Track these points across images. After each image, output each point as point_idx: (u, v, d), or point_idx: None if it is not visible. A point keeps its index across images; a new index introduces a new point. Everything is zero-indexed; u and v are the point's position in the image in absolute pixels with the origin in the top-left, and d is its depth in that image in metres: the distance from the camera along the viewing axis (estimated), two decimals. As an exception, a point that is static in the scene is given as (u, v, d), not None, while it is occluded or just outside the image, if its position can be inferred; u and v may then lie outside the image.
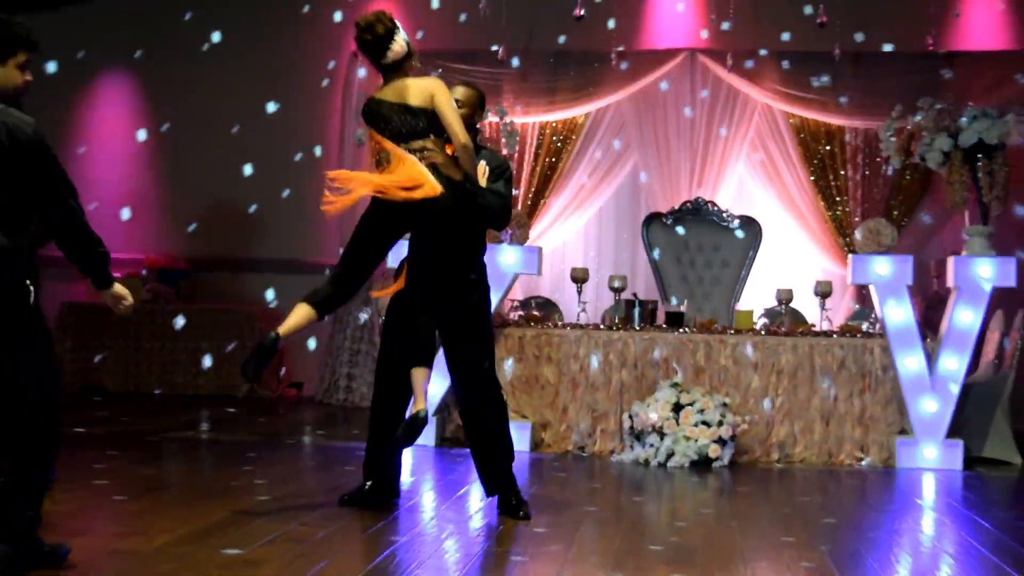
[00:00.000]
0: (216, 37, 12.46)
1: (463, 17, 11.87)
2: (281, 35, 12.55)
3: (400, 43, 6.15)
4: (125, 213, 11.49)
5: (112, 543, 5.50)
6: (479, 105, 6.66)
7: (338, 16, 12.52)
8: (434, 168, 5.92)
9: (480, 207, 6.23)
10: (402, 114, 6.02)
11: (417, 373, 6.03)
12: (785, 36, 11.57)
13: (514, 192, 9.39)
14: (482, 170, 6.22)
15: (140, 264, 12.67)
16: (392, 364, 6.32)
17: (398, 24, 6.17)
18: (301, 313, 6.09)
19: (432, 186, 5.84)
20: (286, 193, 12.23)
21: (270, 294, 11.28)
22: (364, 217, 6.20)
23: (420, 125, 6.00)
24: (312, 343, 11.41)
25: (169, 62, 12.77)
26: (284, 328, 6.04)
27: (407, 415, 5.97)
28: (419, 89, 6.05)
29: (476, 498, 6.97)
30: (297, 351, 12.48)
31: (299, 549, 5.38)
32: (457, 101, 6.42)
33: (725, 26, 11.63)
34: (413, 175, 5.87)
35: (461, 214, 6.06)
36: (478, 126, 6.81)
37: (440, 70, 11.47)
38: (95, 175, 12.85)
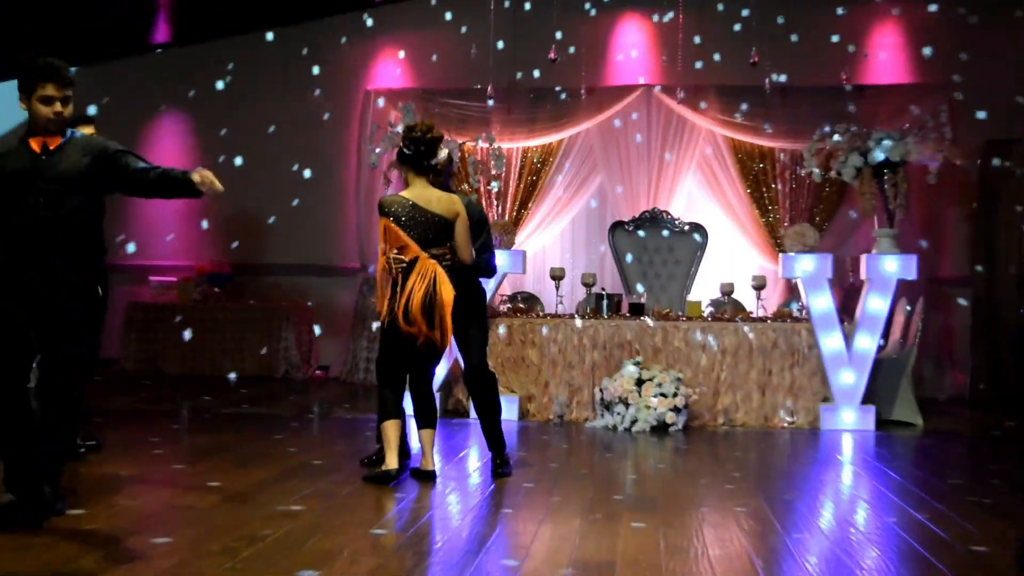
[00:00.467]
0: (259, 77, 12.50)
1: (459, 55, 11.93)
2: (309, 78, 12.51)
3: (444, 152, 6.21)
4: (204, 224, 11.53)
5: (172, 500, 5.51)
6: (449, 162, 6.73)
7: (352, 67, 12.58)
8: (451, 269, 5.94)
9: (481, 270, 6.47)
10: (429, 223, 5.94)
11: (424, 433, 6.11)
12: (724, 73, 11.62)
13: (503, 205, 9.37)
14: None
15: (193, 270, 12.64)
16: (389, 364, 6.19)
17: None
18: (392, 429, 6.01)
19: (449, 291, 5.85)
20: (312, 209, 12.25)
21: (295, 295, 11.19)
22: (387, 334, 6.01)
23: (442, 236, 5.97)
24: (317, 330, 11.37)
25: (216, 101, 12.73)
26: (391, 455, 5.96)
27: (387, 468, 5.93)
28: (448, 203, 6.02)
29: (474, 460, 6.99)
30: (324, 340, 12.49)
31: (329, 503, 5.39)
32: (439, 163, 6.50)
33: (675, 65, 11.67)
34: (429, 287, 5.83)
35: (467, 289, 6.18)
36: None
37: (437, 109, 11.55)
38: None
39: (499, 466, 6.40)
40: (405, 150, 6.05)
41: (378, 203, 6.14)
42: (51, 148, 4.87)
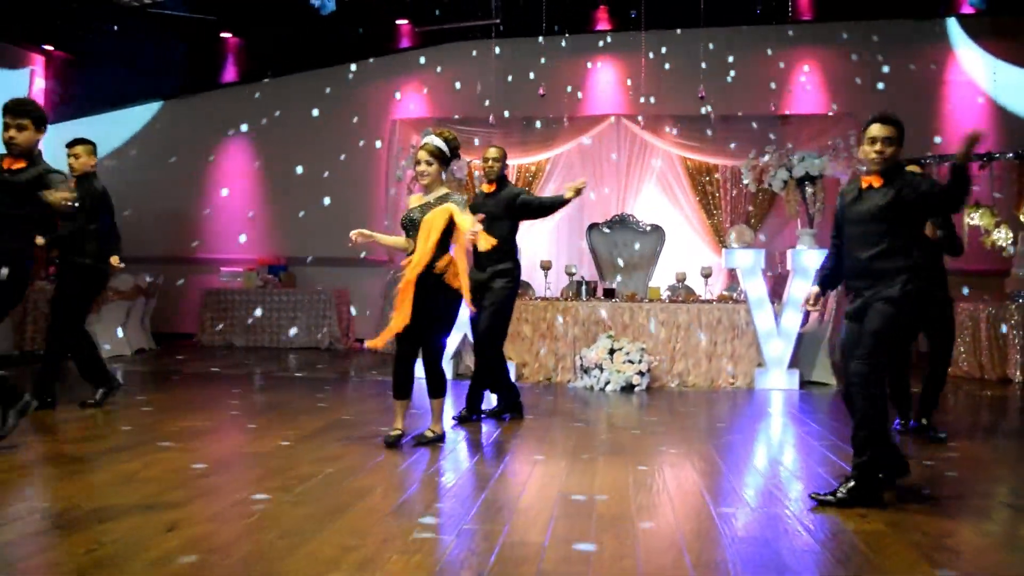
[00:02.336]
0: (308, 109, 12.46)
1: (468, 91, 11.92)
2: (348, 109, 12.51)
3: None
4: (242, 236, 11.49)
5: (240, 448, 5.51)
6: (504, 156, 6.78)
7: (389, 96, 12.56)
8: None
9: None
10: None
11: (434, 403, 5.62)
12: (677, 105, 11.65)
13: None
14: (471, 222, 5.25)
15: (255, 262, 12.63)
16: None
17: None
18: (402, 406, 5.58)
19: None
20: (348, 216, 12.22)
21: (336, 282, 11.15)
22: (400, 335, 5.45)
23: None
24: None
25: (272, 128, 12.71)
26: (399, 422, 5.55)
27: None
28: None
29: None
30: (359, 317, 12.49)
31: (364, 448, 5.40)
32: (491, 158, 6.61)
33: (640, 99, 11.68)
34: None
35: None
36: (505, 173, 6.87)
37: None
38: (231, 205, 12.83)
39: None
40: (449, 153, 5.60)
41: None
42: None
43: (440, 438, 5.64)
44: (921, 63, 11.65)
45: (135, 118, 13.05)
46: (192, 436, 5.72)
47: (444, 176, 5.64)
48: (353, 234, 5.61)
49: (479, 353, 6.53)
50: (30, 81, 12.55)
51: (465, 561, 3.32)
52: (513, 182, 11.97)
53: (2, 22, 11.69)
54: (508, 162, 11.67)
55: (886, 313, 4.32)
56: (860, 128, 11.00)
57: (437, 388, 5.61)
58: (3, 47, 12.02)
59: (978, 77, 11.76)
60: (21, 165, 5.05)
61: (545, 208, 6.81)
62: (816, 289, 4.86)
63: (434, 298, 5.37)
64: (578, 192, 6.44)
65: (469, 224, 5.16)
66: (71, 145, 6.78)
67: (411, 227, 5.49)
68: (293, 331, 12.05)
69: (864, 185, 4.52)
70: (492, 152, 6.70)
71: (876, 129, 4.45)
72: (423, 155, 5.53)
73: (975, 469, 5.17)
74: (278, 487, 4.36)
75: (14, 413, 5.01)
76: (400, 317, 5.31)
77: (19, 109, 5.09)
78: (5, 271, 5.00)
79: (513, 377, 8.86)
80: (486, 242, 5.16)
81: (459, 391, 7.74)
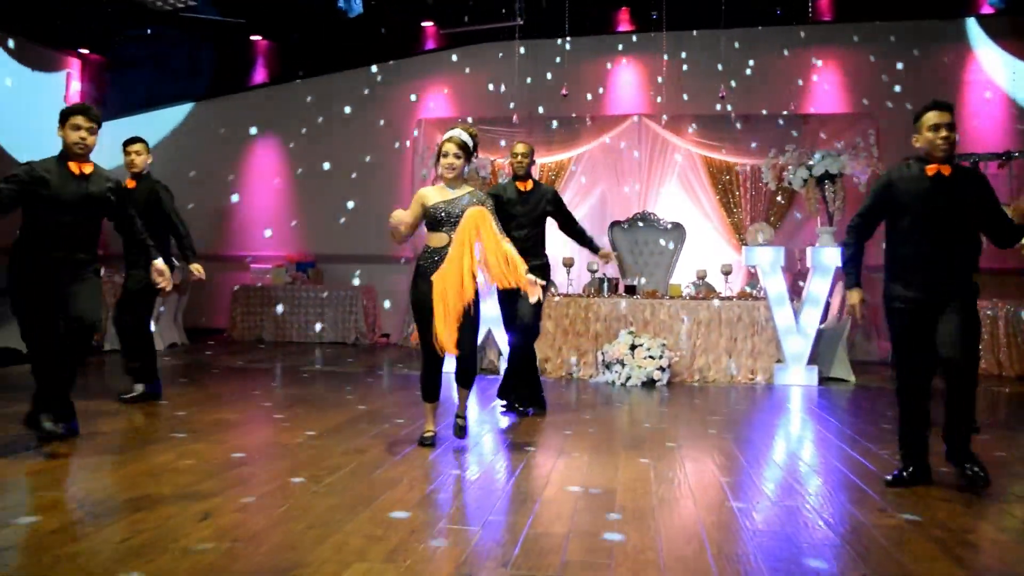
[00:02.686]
0: (335, 110, 12.51)
1: (492, 91, 11.90)
2: (374, 109, 12.54)
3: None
4: (292, 223, 11.52)
5: (270, 440, 5.54)
6: (532, 152, 6.72)
7: (413, 97, 12.58)
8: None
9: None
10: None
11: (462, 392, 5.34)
12: (698, 105, 11.60)
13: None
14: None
15: (284, 259, 12.69)
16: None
17: None
18: (432, 408, 5.41)
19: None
20: (374, 214, 12.27)
21: (362, 278, 11.15)
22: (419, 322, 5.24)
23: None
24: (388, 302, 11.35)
25: (299, 127, 12.77)
26: (431, 424, 5.39)
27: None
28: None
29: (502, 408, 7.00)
30: (385, 313, 12.52)
31: (391, 441, 5.41)
32: (520, 153, 6.54)
33: (659, 98, 11.64)
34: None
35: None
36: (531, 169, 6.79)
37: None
38: (260, 203, 12.90)
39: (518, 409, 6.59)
40: (472, 148, 5.36)
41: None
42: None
43: (464, 428, 5.37)
44: (940, 63, 11.53)
45: (167, 119, 13.15)
46: (224, 428, 5.76)
47: (466, 172, 5.49)
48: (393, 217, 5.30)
49: (523, 346, 6.46)
50: (66, 84, 12.67)
51: (490, 552, 3.32)
52: (537, 178, 11.98)
53: (40, 27, 11.82)
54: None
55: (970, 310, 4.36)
56: (878, 127, 10.98)
57: (469, 379, 5.30)
58: (41, 51, 12.14)
59: (997, 77, 11.63)
60: (89, 169, 5.10)
61: (577, 233, 7.00)
62: (859, 295, 4.68)
63: (473, 305, 5.08)
64: (605, 259, 7.02)
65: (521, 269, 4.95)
66: (130, 143, 6.81)
67: (446, 221, 5.17)
68: (318, 326, 12.11)
69: (931, 172, 4.38)
70: (521, 148, 6.63)
71: (936, 116, 4.36)
72: (452, 147, 5.27)
73: (995, 465, 5.10)
74: (307, 478, 4.38)
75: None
76: (450, 339, 4.95)
77: (91, 113, 5.11)
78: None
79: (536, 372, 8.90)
80: (533, 295, 4.97)
81: (483, 386, 7.75)
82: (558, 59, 11.80)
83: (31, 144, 11.29)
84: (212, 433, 5.55)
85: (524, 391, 6.67)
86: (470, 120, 11.84)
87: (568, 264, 9.55)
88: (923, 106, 4.41)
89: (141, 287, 6.40)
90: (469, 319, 5.07)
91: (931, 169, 4.37)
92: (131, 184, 6.65)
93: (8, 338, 9.39)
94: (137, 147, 6.75)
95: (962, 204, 4.33)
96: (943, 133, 4.31)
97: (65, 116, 5.07)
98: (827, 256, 8.87)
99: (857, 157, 9.81)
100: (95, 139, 5.11)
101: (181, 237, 6.70)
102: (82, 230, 5.05)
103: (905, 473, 4.52)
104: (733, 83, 11.40)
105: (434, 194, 5.32)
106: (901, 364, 4.49)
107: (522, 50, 11.82)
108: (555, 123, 11.85)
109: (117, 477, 4.37)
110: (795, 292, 9.52)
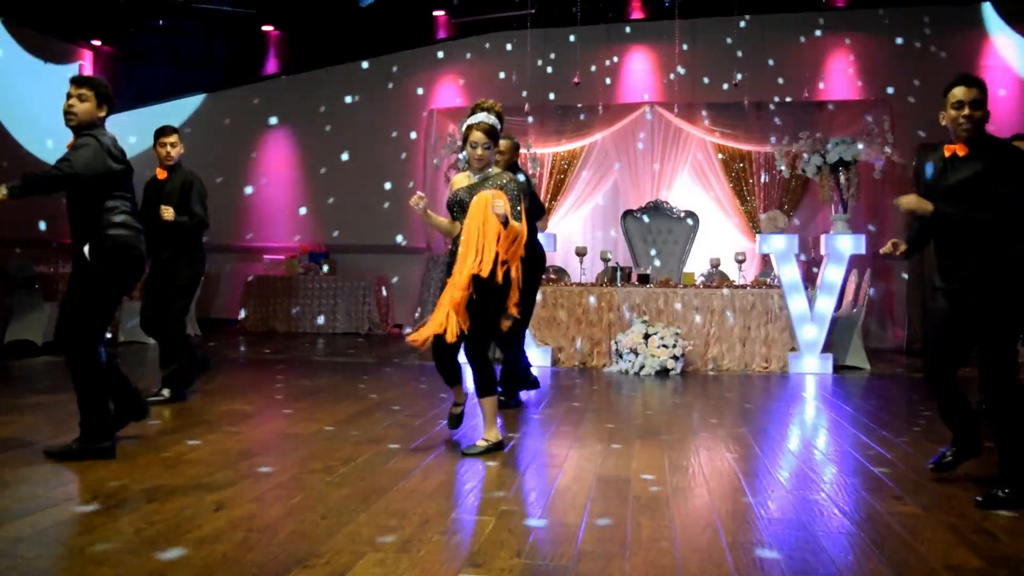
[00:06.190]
0: (347, 100, 12.51)
1: (503, 80, 11.87)
2: (386, 99, 12.53)
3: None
4: (280, 222, 11.54)
5: (284, 430, 5.54)
6: (515, 149, 6.33)
7: (420, 91, 12.57)
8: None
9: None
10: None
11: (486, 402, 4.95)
12: (711, 93, 11.55)
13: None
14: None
15: (297, 250, 12.71)
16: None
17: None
18: (459, 391, 5.20)
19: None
20: (387, 205, 12.28)
21: (375, 269, 11.16)
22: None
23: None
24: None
25: (313, 119, 12.78)
26: (459, 397, 5.20)
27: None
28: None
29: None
30: (398, 304, 12.54)
31: (404, 432, 5.41)
32: (501, 152, 5.98)
33: (673, 84, 11.59)
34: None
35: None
36: (519, 161, 6.62)
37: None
38: (272, 194, 12.92)
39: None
40: (500, 128, 4.95)
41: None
42: None
43: (498, 446, 4.90)
44: (955, 48, 11.42)
45: (180, 110, 13.17)
46: (237, 419, 5.77)
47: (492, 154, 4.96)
48: (414, 200, 4.86)
49: (514, 343, 6.41)
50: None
51: (504, 542, 3.31)
52: (549, 170, 11.96)
53: (53, 19, 11.85)
54: (544, 150, 11.78)
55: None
56: (893, 113, 10.90)
57: (489, 386, 4.91)
58: (54, 43, 12.17)
59: (1013, 62, 11.51)
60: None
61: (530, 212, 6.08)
62: (903, 246, 4.26)
63: (485, 300, 4.74)
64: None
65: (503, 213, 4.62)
66: (167, 133, 6.54)
67: (459, 209, 4.88)
68: (323, 319, 12.13)
69: (947, 154, 4.02)
70: (503, 144, 6.08)
71: (961, 92, 3.94)
72: (480, 137, 4.83)
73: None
74: (321, 468, 4.39)
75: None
76: (452, 326, 4.65)
77: (82, 79, 4.63)
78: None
79: (549, 362, 8.90)
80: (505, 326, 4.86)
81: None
82: (570, 47, 11.76)
83: (44, 137, 11.33)
84: (226, 424, 5.56)
85: (510, 385, 6.44)
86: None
87: (581, 253, 9.52)
88: (951, 80, 4.03)
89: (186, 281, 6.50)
90: (479, 317, 4.75)
91: (948, 149, 4.02)
92: (162, 175, 6.45)
93: (23, 330, 9.46)
94: (172, 138, 6.51)
95: (972, 184, 3.90)
96: (965, 111, 3.92)
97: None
98: (841, 243, 8.82)
99: (871, 144, 9.74)
100: (86, 107, 4.53)
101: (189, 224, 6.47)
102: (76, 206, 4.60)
103: (948, 453, 4.37)
104: (739, 76, 11.33)
105: (460, 180, 5.00)
106: (924, 346, 4.35)
107: (532, 39, 11.77)
108: (568, 111, 11.81)
109: (130, 467, 4.38)
110: (809, 280, 9.48)
